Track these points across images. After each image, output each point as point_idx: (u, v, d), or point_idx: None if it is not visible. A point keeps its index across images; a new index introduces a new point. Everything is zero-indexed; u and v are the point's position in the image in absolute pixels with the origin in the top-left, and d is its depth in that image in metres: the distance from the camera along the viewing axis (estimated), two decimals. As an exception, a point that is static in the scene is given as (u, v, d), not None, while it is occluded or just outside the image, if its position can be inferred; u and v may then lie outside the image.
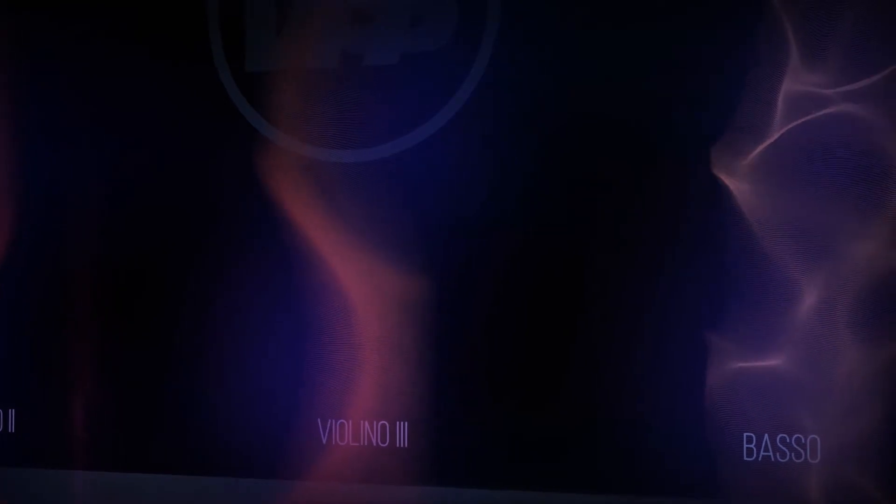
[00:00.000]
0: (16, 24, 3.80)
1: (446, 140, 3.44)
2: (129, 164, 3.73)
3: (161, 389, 3.67)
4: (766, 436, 3.14)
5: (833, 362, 3.09)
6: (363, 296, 3.47)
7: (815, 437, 3.10)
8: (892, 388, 3.06)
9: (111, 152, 3.74)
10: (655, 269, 3.24)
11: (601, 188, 3.33)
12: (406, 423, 3.42)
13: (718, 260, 3.18)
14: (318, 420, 3.49)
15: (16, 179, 3.79)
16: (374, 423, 3.44)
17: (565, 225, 3.35)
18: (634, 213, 3.28)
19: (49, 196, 3.78)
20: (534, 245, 3.38)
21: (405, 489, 3.40)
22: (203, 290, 3.63)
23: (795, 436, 3.12)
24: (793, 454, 3.12)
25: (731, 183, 3.17)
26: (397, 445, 3.43)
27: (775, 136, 3.14)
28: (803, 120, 3.13)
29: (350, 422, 3.47)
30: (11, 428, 3.79)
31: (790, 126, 3.14)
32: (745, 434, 3.15)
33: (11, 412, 3.80)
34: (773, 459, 3.13)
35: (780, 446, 3.13)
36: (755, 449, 3.14)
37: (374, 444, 3.44)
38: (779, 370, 3.13)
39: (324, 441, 3.48)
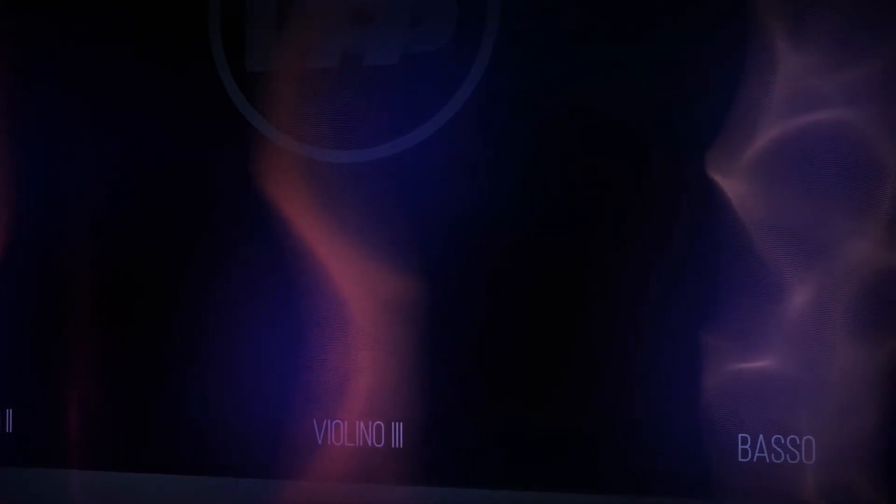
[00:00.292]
0: (16, 24, 3.80)
1: (446, 140, 3.43)
2: (128, 164, 3.73)
3: (158, 389, 3.67)
4: (761, 437, 3.13)
5: (828, 363, 3.08)
6: (360, 296, 3.46)
7: (810, 437, 3.10)
8: (887, 389, 3.05)
9: (111, 152, 3.75)
10: (651, 271, 3.24)
11: (600, 188, 3.32)
12: (401, 424, 3.41)
13: (713, 261, 3.17)
14: (314, 420, 3.48)
15: (15, 179, 3.80)
16: (370, 423, 3.44)
17: (563, 225, 3.34)
18: (632, 214, 3.27)
19: (48, 196, 3.78)
20: (532, 246, 3.37)
21: (400, 489, 3.39)
22: (202, 291, 3.63)
23: (790, 437, 3.11)
24: (787, 455, 3.11)
25: (725, 184, 3.16)
26: (392, 446, 3.42)
27: (771, 136, 3.13)
28: (799, 120, 3.12)
29: (345, 422, 3.46)
30: (9, 428, 3.79)
31: (786, 126, 3.13)
32: (739, 435, 3.15)
33: (9, 412, 3.80)
34: (767, 460, 3.12)
35: (775, 447, 3.12)
36: (750, 450, 3.14)
37: (370, 444, 3.44)
38: (773, 371, 3.12)
39: (319, 441, 3.48)
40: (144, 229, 3.71)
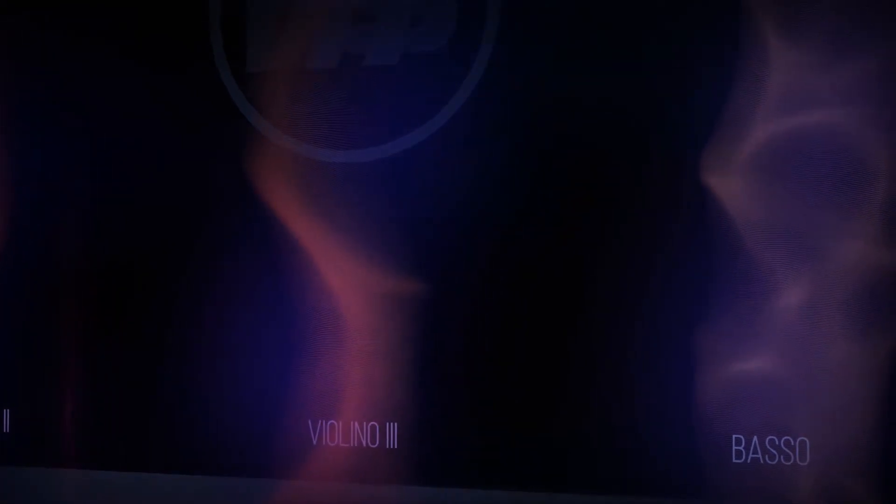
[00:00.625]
0: (15, 24, 3.81)
1: (447, 140, 3.43)
2: (128, 164, 3.73)
3: (154, 389, 3.67)
4: (755, 438, 3.12)
5: (822, 364, 3.08)
6: (358, 297, 3.45)
7: (804, 439, 3.09)
8: (881, 390, 3.03)
9: (111, 152, 3.75)
10: (645, 272, 3.23)
11: (600, 189, 3.31)
12: (396, 424, 3.41)
13: (708, 262, 3.16)
14: (309, 421, 3.48)
15: (13, 178, 3.80)
16: (365, 423, 3.44)
17: (562, 226, 3.33)
18: (627, 215, 3.26)
19: (47, 195, 3.78)
20: (530, 246, 3.36)
21: (395, 489, 3.39)
22: (200, 291, 3.63)
23: (784, 438, 3.10)
24: (782, 456, 3.10)
25: (719, 184, 3.16)
26: (387, 446, 3.42)
27: (765, 136, 3.12)
28: (793, 120, 3.11)
29: (340, 423, 3.46)
30: (6, 427, 3.80)
31: (780, 126, 3.12)
32: (733, 436, 3.14)
33: (6, 412, 3.80)
34: (761, 461, 3.12)
35: (769, 448, 3.11)
36: (744, 451, 3.13)
37: (364, 444, 3.43)
38: (768, 372, 3.11)
39: (314, 442, 3.47)
40: (143, 229, 3.71)
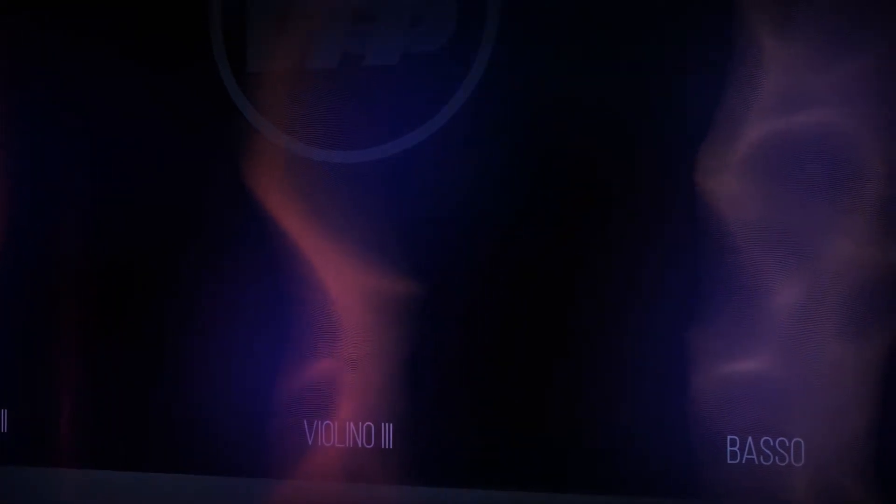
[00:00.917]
0: (15, 24, 3.82)
1: (447, 140, 3.43)
2: (128, 164, 3.73)
3: (151, 389, 3.67)
4: (750, 438, 3.11)
5: (817, 365, 3.07)
6: (356, 297, 3.45)
7: (799, 440, 3.08)
8: (876, 390, 3.02)
9: (110, 152, 3.75)
10: (639, 272, 3.22)
11: (599, 189, 3.30)
12: (391, 425, 3.41)
13: (702, 262, 3.15)
14: (304, 421, 3.48)
15: (12, 178, 3.81)
16: (360, 424, 3.43)
17: (562, 226, 3.32)
18: (623, 214, 3.26)
19: (46, 195, 3.79)
20: (530, 246, 3.36)
21: (390, 489, 3.39)
22: (198, 290, 3.63)
23: (779, 438, 3.09)
24: (777, 457, 3.09)
25: (713, 183, 3.15)
26: (382, 446, 3.41)
27: (760, 136, 3.12)
28: (788, 119, 3.10)
29: (335, 423, 3.45)
30: (5, 427, 3.80)
31: (776, 126, 3.11)
32: (728, 437, 3.13)
33: (5, 412, 3.81)
34: (756, 462, 3.11)
35: (764, 449, 3.10)
36: (739, 452, 3.12)
37: (360, 445, 3.43)
38: (763, 373, 3.10)
39: (309, 442, 3.47)
40: (143, 229, 3.71)
